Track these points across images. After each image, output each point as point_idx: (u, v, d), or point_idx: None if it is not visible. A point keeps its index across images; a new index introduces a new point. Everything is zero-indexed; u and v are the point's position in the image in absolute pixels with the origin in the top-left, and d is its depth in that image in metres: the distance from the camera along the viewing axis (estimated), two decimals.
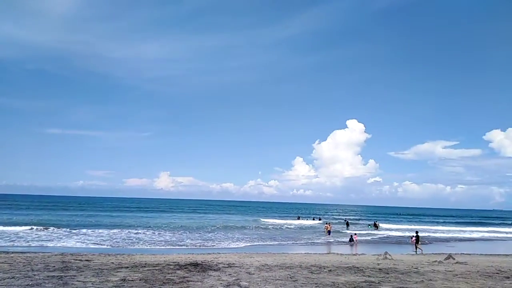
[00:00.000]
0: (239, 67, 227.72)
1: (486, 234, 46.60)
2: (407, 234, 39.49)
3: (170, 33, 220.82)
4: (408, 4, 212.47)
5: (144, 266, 12.73)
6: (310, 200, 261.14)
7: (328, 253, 22.58)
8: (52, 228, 33.05)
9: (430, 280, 11.13)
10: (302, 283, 10.09)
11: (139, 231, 33.96)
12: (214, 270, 12.16)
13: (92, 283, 9.56)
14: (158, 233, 33.08)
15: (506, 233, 50.40)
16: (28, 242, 24.83)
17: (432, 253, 22.59)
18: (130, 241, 27.47)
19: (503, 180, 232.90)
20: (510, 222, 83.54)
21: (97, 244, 25.18)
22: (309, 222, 59.99)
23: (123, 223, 43.47)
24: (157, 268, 12.38)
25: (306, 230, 44.19)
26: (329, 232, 37.28)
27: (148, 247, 24.72)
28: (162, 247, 24.98)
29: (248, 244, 27.74)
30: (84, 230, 32.44)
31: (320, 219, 63.70)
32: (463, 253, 22.88)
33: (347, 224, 50.25)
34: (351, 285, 9.94)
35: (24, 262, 13.26)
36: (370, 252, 22.92)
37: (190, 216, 65.53)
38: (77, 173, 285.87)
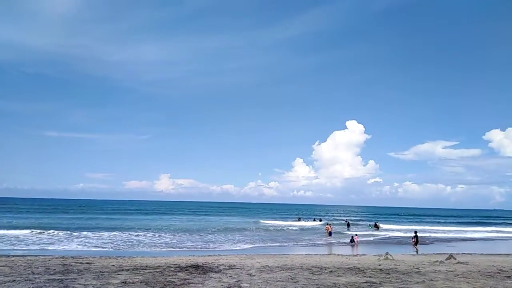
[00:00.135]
0: (238, 68, 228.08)
1: (487, 234, 46.57)
2: (408, 234, 39.44)
3: (169, 35, 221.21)
4: (407, 5, 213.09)
5: (145, 269, 12.71)
6: (311, 201, 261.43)
7: (329, 254, 22.55)
8: (52, 231, 33.01)
9: (431, 280, 11.11)
10: (303, 284, 10.08)
11: (140, 234, 33.94)
12: (215, 272, 12.15)
13: (93, 286, 9.55)
14: (159, 235, 33.06)
15: (507, 232, 50.37)
16: (28, 245, 24.82)
17: (433, 253, 22.57)
18: (130, 243, 27.45)
19: (503, 179, 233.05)
20: (510, 222, 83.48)
21: (98, 247, 25.15)
22: (310, 223, 59.94)
23: (124, 225, 43.46)
24: (158, 270, 12.36)
25: (307, 231, 44.15)
26: (330, 233, 37.26)
27: (149, 249, 24.70)
28: (163, 249, 24.95)
29: (249, 246, 27.72)
30: (84, 233, 32.42)
31: (320, 220, 63.64)
32: (464, 253, 22.86)
33: (348, 225, 50.22)
34: (352, 286, 9.92)
35: (24, 266, 13.24)
36: (371, 252, 22.90)
37: (191, 218, 65.52)
38: (77, 176, 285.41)
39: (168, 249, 24.82)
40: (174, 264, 14.03)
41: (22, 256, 17.31)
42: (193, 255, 19.40)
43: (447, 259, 17.14)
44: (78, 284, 9.87)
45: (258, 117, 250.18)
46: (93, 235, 31.60)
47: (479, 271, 13.25)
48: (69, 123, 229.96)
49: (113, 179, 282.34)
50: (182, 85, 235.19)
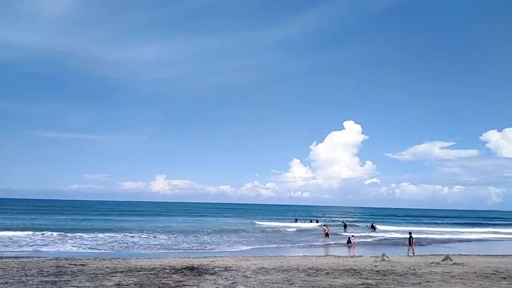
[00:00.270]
0: (236, 69, 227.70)
1: (484, 235, 46.72)
2: (405, 235, 39.45)
3: (167, 35, 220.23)
4: (403, 6, 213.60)
5: (140, 271, 12.59)
6: (308, 202, 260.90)
7: (325, 256, 22.48)
8: (46, 232, 32.72)
9: (428, 281, 11.07)
10: (299, 286, 10.00)
11: (135, 235, 33.72)
12: (210, 274, 12.05)
13: None
14: (154, 237, 32.86)
15: (504, 233, 50.58)
16: (21, 246, 24.57)
17: (430, 255, 22.56)
18: (125, 245, 27.25)
19: (500, 180, 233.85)
20: (507, 223, 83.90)
21: (92, 248, 24.95)
22: (307, 224, 59.90)
23: (119, 227, 43.19)
24: (152, 272, 12.25)
25: (304, 232, 44.10)
26: (326, 234, 37.21)
27: (144, 251, 24.53)
28: (158, 251, 24.80)
29: (245, 247, 27.61)
30: (79, 234, 32.15)
31: (317, 221, 63.61)
32: (461, 254, 22.87)
33: (345, 226, 50.21)
34: None
35: (17, 267, 13.09)
36: (368, 254, 22.86)
37: (186, 219, 65.29)
38: (72, 176, 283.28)
39: (163, 251, 24.66)
40: (169, 266, 13.91)
41: (15, 257, 17.10)
42: (189, 257, 19.27)
43: (443, 260, 17.13)
44: (72, 286, 9.74)
45: (255, 117, 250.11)
46: (88, 236, 31.34)
47: (475, 272, 13.24)
48: (66, 123, 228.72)
49: (109, 180, 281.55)
50: (179, 85, 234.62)
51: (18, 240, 27.52)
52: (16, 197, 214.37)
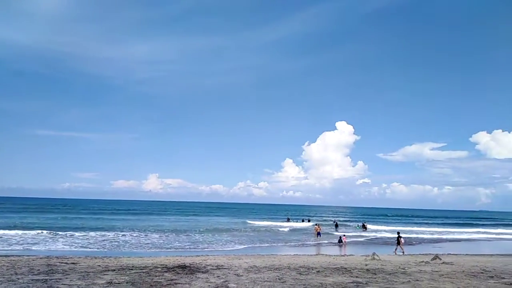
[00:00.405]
0: (229, 69, 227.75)
1: (473, 235, 47.34)
2: (395, 235, 39.80)
3: (162, 34, 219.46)
4: (395, 7, 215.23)
5: (131, 269, 12.59)
6: (300, 201, 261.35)
7: (316, 254, 22.65)
8: (37, 230, 32.44)
9: (417, 280, 11.25)
10: (290, 284, 10.10)
11: (127, 234, 33.59)
12: (202, 272, 12.10)
13: (77, 286, 9.42)
14: (146, 236, 32.77)
15: (492, 233, 51.29)
16: (11, 245, 24.34)
17: (419, 254, 22.85)
18: (117, 243, 27.15)
19: (489, 181, 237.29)
20: (496, 223, 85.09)
21: (84, 247, 24.82)
22: (299, 223, 60.11)
23: (110, 225, 42.94)
24: (144, 270, 12.25)
25: (296, 231, 44.28)
26: (318, 233, 37.41)
27: (136, 249, 24.46)
28: (150, 249, 24.75)
29: (237, 246, 27.67)
30: (70, 233, 31.95)
31: (309, 221, 63.88)
32: (450, 254, 23.20)
33: (336, 226, 50.50)
34: (338, 286, 9.98)
35: (7, 266, 12.99)
36: (358, 253, 23.08)
37: (179, 218, 65.11)
38: (63, 175, 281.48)
39: (155, 250, 24.63)
40: (161, 265, 13.93)
41: (5, 256, 16.96)
42: (181, 256, 19.28)
43: (432, 259, 17.37)
44: (63, 284, 9.72)
45: (248, 117, 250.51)
46: (79, 235, 31.15)
47: (463, 271, 13.46)
48: (58, 121, 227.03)
49: (101, 179, 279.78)
50: (173, 84, 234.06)
51: (8, 239, 27.24)
52: (6, 196, 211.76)
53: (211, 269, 12.84)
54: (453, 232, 50.68)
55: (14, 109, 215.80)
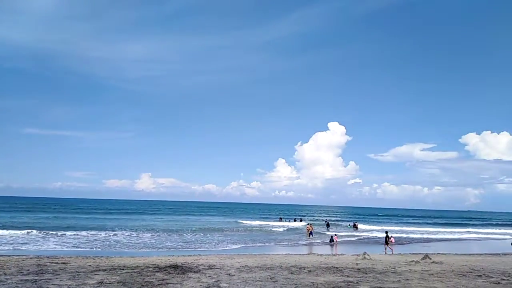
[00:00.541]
0: (222, 68, 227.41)
1: (462, 235, 47.91)
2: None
3: (153, 33, 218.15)
4: (389, 8, 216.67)
5: (123, 269, 12.54)
6: (292, 201, 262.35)
7: (308, 254, 22.75)
8: (28, 230, 32.07)
9: (407, 279, 11.38)
10: (282, 284, 10.15)
11: (118, 233, 33.39)
12: (194, 272, 12.10)
13: (68, 286, 9.36)
14: (138, 235, 32.59)
15: (481, 233, 51.95)
16: (1, 245, 24.03)
17: (410, 253, 23.07)
18: (108, 243, 26.97)
19: (478, 182, 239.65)
20: (484, 223, 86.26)
21: (75, 246, 24.61)
22: (291, 223, 60.29)
23: (102, 225, 42.62)
24: (135, 270, 12.21)
25: (288, 231, 44.39)
26: (310, 233, 37.58)
27: (127, 249, 24.32)
28: (142, 249, 24.63)
29: (229, 246, 27.67)
30: (61, 232, 31.66)
31: (301, 220, 64.13)
32: (439, 253, 23.46)
33: (328, 225, 50.77)
34: (330, 285, 10.06)
35: None
36: (350, 252, 23.24)
37: (171, 218, 64.85)
38: (55, 174, 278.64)
39: (147, 249, 24.52)
40: (153, 264, 13.89)
41: None
42: (172, 255, 19.23)
43: (422, 259, 17.56)
44: (53, 284, 9.65)
45: (241, 117, 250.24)
46: (70, 234, 30.89)
47: (452, 271, 13.64)
48: (50, 120, 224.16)
49: (93, 178, 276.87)
50: (166, 84, 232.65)
51: None
52: None
53: (203, 268, 12.84)
54: (443, 232, 51.24)
55: (5, 107, 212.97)
